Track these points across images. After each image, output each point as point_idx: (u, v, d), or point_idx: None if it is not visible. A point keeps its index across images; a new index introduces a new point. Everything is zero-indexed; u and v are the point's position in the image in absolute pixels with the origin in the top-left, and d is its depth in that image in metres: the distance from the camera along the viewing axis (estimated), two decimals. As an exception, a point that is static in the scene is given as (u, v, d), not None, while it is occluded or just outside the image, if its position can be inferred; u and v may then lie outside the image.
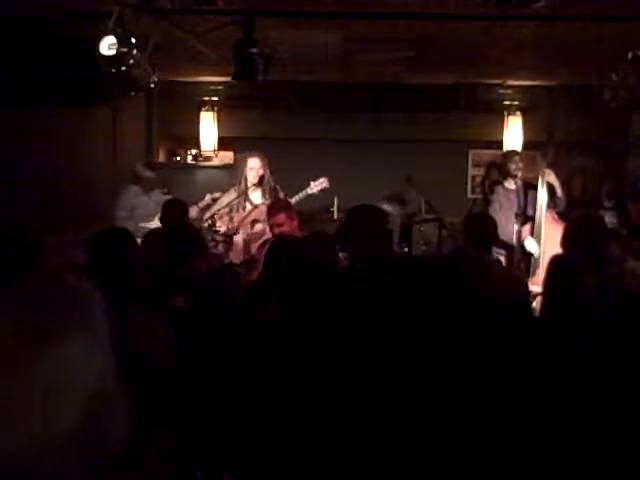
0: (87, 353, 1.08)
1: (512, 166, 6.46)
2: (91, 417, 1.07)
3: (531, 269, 5.85)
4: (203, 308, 3.65)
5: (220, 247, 5.74)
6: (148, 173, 6.71)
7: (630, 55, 5.09)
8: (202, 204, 6.37)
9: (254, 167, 5.96)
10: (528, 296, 3.56)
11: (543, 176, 6.00)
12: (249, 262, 5.54)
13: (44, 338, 1.04)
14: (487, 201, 7.44)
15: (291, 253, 3.60)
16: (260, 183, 6.00)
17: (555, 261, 3.12)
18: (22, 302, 1.08)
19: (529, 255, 5.96)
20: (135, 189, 6.59)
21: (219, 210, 5.93)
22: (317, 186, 6.08)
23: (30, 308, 1.07)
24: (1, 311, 1.08)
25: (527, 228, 6.08)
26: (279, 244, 3.99)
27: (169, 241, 4.02)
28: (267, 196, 6.01)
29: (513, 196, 6.41)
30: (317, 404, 2.33)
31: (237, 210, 6.01)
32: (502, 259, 5.95)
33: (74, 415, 1.05)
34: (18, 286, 1.12)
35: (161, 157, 8.97)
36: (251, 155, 6.03)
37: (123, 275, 2.89)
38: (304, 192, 6.03)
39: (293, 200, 5.89)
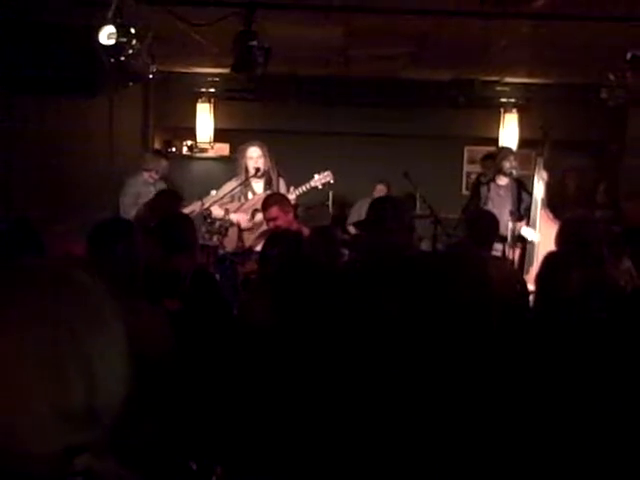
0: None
1: (506, 164, 6.45)
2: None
3: (526, 263, 5.86)
4: (194, 309, 3.54)
5: (215, 238, 5.72)
6: (164, 162, 6.71)
7: (629, 55, 5.10)
8: (207, 200, 6.27)
9: (253, 157, 5.89)
10: (527, 296, 3.57)
11: (539, 172, 6.02)
12: (245, 253, 5.51)
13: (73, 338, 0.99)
14: (472, 198, 7.44)
15: (287, 248, 3.59)
16: (261, 173, 5.91)
17: (545, 259, 3.15)
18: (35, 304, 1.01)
19: (524, 249, 5.97)
20: (145, 177, 6.56)
21: (220, 199, 5.86)
22: (321, 179, 5.97)
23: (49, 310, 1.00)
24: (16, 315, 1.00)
25: (522, 225, 6.09)
26: (276, 239, 3.93)
27: (162, 231, 3.91)
28: (269, 186, 5.93)
29: (504, 192, 6.43)
30: (309, 399, 2.34)
31: (239, 199, 5.93)
32: (497, 254, 5.95)
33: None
34: (27, 286, 1.03)
35: (157, 147, 8.95)
36: (251, 144, 5.96)
37: (125, 267, 2.85)
38: (307, 185, 5.93)
39: (295, 193, 5.81)
